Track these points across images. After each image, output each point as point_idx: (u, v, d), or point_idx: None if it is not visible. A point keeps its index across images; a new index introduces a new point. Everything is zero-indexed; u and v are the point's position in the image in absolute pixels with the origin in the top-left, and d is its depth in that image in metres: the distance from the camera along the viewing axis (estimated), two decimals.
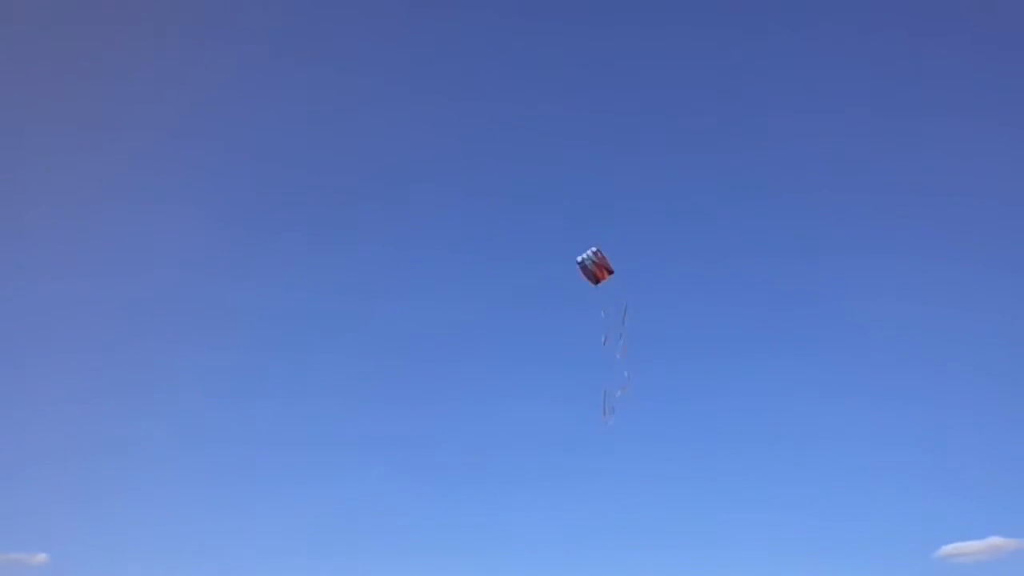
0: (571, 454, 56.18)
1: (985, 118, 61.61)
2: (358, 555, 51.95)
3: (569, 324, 58.61)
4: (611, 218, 65.78)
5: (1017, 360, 55.37)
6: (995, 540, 50.41)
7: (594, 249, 22.87)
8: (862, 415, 56.00)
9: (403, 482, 55.92)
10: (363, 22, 67.42)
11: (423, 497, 54.95)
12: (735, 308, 61.59)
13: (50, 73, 61.43)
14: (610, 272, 22.77)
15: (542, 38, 67.60)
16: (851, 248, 61.87)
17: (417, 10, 67.04)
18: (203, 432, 55.43)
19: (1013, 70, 61.79)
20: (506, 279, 55.49)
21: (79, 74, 62.68)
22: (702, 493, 55.03)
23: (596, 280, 22.72)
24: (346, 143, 66.68)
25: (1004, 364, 55.69)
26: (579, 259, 22.85)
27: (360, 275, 64.20)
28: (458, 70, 68.03)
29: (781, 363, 59.08)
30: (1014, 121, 61.21)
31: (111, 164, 62.20)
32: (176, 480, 53.32)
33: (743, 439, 56.62)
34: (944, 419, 55.22)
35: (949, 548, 50.53)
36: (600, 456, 55.31)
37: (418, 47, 67.02)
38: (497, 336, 60.52)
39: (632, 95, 68.25)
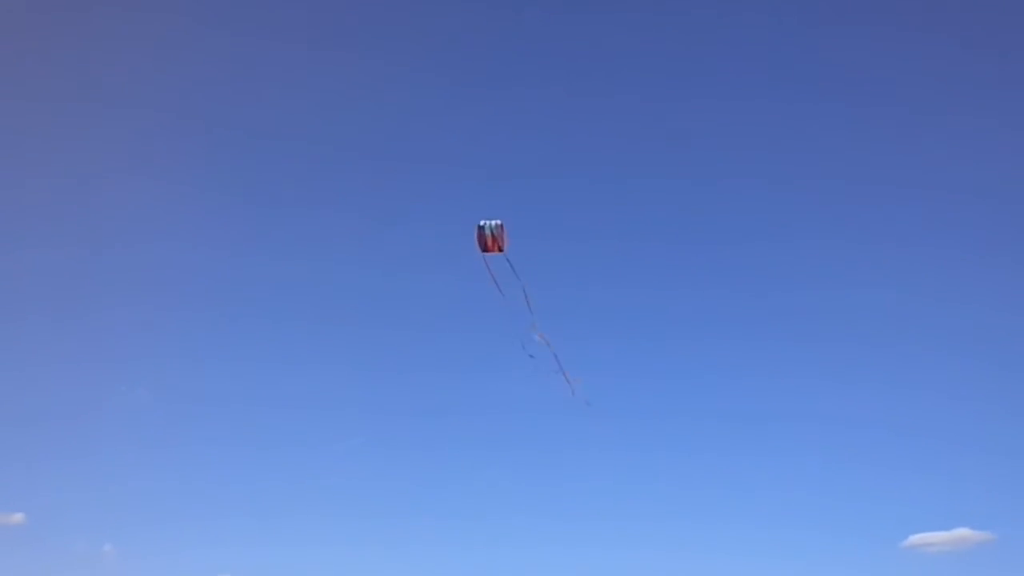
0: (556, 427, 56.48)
1: (977, 110, 61.05)
2: (341, 519, 53.18)
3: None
4: (599, 200, 66.37)
5: (992, 351, 54.85)
6: (963, 532, 50.02)
7: (498, 222, 23.44)
8: (830, 402, 55.60)
9: (390, 448, 56.77)
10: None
11: (412, 464, 56.05)
12: (710, 292, 61.56)
13: (47, 44, 62.41)
14: (500, 250, 23.28)
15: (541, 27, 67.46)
16: (828, 236, 61.59)
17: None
18: (184, 395, 56.45)
19: (998, 67, 61.07)
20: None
21: (76, 46, 63.85)
22: (665, 472, 55.18)
23: (486, 248, 23.18)
24: (338, 120, 67.17)
25: (979, 355, 54.93)
26: (480, 223, 23.44)
27: (350, 245, 64.67)
28: (462, 53, 68.13)
29: (749, 347, 59.11)
30: (1007, 112, 60.70)
31: (103, 136, 63.12)
32: (157, 442, 54.32)
33: (709, 420, 56.49)
34: (914, 408, 54.72)
35: (916, 538, 50.30)
36: (582, 432, 55.85)
37: (415, 31, 67.01)
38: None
39: (615, 81, 68.13)
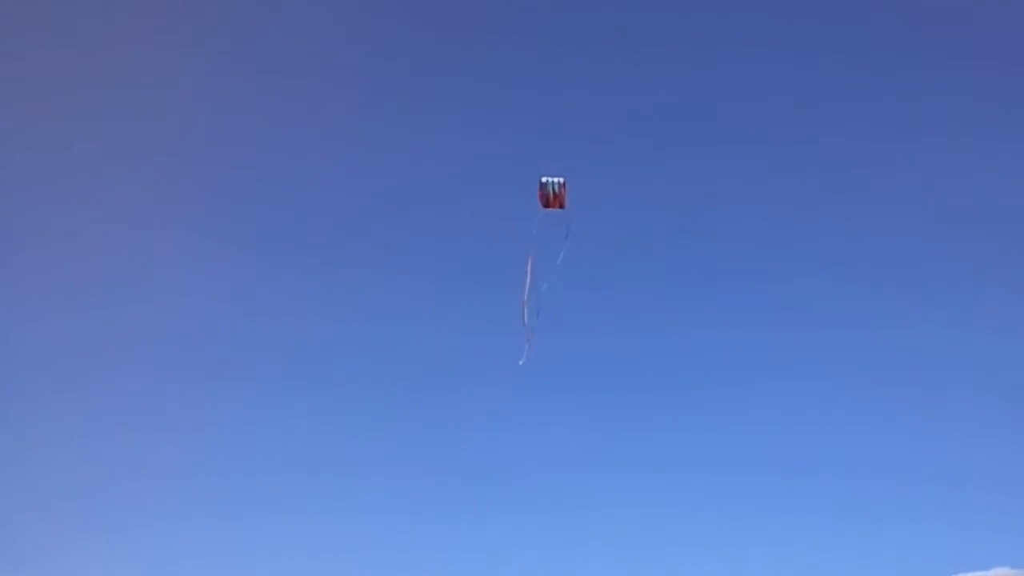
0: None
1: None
2: None
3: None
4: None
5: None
6: (1001, 571, 49.13)
7: (561, 180, 24.60)
8: (864, 445, 54.68)
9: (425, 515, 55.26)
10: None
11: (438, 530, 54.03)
12: (747, 332, 60.85)
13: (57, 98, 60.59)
14: (561, 206, 24.53)
15: None
16: (864, 274, 61.58)
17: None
18: (221, 460, 54.44)
19: None
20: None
21: (86, 100, 61.59)
22: (712, 515, 53.30)
23: (547, 204, 24.34)
24: (359, 167, 67.43)
25: (1011, 392, 54.18)
26: (543, 180, 24.41)
27: (370, 303, 62.63)
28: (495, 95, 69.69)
29: (779, 391, 58.12)
30: None
31: (116, 191, 60.94)
32: (195, 508, 51.82)
33: (745, 471, 55.44)
34: (948, 448, 54.10)
35: None
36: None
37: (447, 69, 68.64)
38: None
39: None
